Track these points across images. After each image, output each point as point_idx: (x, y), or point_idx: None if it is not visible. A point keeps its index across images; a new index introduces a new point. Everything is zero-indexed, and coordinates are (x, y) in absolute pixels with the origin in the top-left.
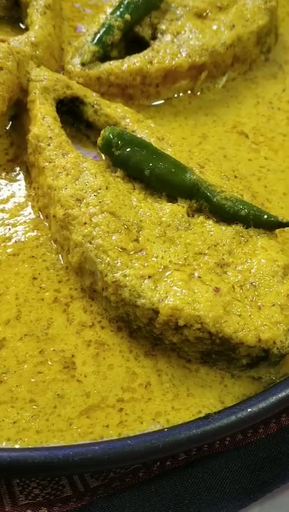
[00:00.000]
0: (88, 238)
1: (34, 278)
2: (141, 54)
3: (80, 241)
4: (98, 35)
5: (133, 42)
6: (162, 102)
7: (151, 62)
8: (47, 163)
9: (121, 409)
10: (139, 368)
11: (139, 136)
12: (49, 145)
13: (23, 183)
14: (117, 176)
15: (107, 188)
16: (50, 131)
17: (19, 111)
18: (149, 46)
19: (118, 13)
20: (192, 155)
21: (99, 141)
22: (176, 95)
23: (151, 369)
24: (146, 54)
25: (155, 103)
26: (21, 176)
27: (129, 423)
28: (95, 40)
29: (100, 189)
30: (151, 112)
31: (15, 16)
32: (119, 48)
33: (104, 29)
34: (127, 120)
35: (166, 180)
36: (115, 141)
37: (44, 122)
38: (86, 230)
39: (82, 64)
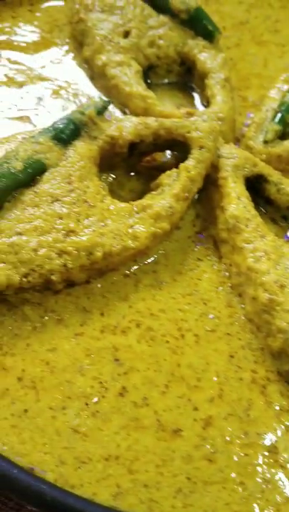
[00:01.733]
0: None
1: (231, 356)
2: None
3: (284, 328)
4: (280, 115)
5: None
6: None
7: None
8: (246, 245)
9: None
10: None
11: None
12: (247, 226)
13: (213, 257)
14: None
15: None
16: (247, 212)
17: (205, 184)
18: None
19: None
20: None
21: None
22: None
23: None
24: None
25: None
26: (210, 250)
27: None
28: (277, 119)
29: None
30: None
31: (186, 82)
32: None
33: (284, 108)
34: None
35: None
36: None
37: (240, 202)
38: None
39: (265, 141)
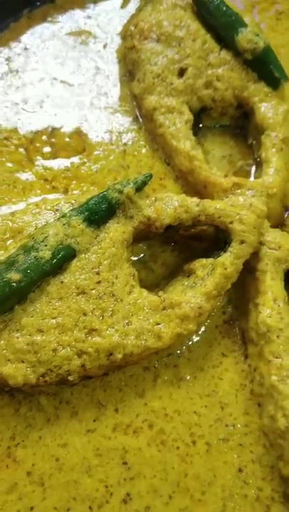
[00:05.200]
0: None
1: (240, 470)
2: None
3: None
4: None
5: None
6: None
7: None
8: (273, 359)
9: None
10: None
11: None
12: (278, 337)
13: (238, 354)
14: None
15: None
16: (280, 320)
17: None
18: None
19: None
20: None
21: None
22: None
23: None
24: None
25: None
26: (236, 345)
27: None
28: None
29: None
30: None
31: (240, 126)
32: None
33: None
34: None
35: None
36: None
37: (275, 307)
38: None
39: None
